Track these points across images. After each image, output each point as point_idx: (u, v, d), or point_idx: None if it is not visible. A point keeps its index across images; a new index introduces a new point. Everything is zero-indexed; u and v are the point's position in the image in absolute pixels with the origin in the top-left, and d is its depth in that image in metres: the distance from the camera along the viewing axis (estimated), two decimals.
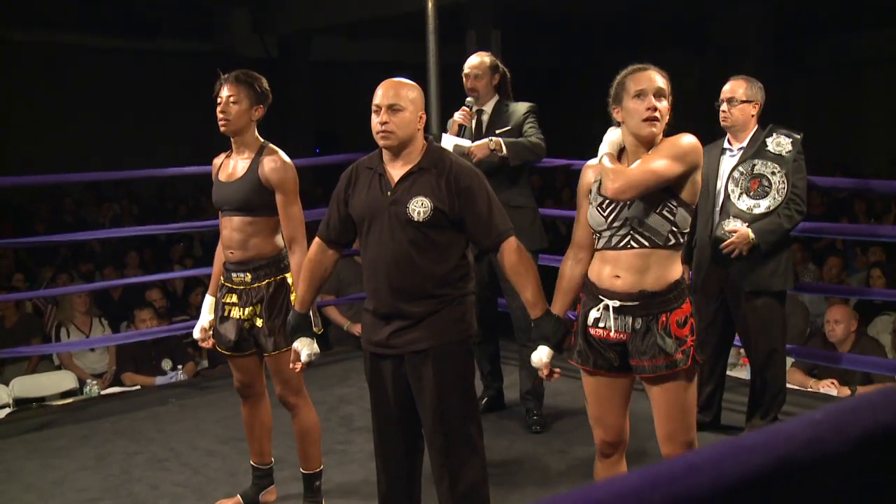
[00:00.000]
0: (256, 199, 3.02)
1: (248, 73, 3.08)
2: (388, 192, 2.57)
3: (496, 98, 3.98)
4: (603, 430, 2.59)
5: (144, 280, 6.21)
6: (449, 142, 3.84)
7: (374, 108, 2.57)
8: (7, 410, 5.08)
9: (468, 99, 3.98)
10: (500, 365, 4.31)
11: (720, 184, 3.58)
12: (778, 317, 3.66)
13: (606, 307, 2.44)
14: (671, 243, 2.42)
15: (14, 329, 6.14)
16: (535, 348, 2.44)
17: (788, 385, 4.57)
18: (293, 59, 12.57)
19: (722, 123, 3.62)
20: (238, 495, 3.34)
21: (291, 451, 3.49)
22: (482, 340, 4.18)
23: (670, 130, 2.47)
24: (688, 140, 2.41)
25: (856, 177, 7.77)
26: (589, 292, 2.52)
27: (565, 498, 0.53)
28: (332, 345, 5.82)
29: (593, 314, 2.48)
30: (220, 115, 3.03)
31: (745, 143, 3.58)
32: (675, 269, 2.45)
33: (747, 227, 3.49)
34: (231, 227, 3.09)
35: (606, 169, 2.39)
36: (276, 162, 3.03)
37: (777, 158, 3.50)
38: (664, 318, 2.41)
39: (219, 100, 3.04)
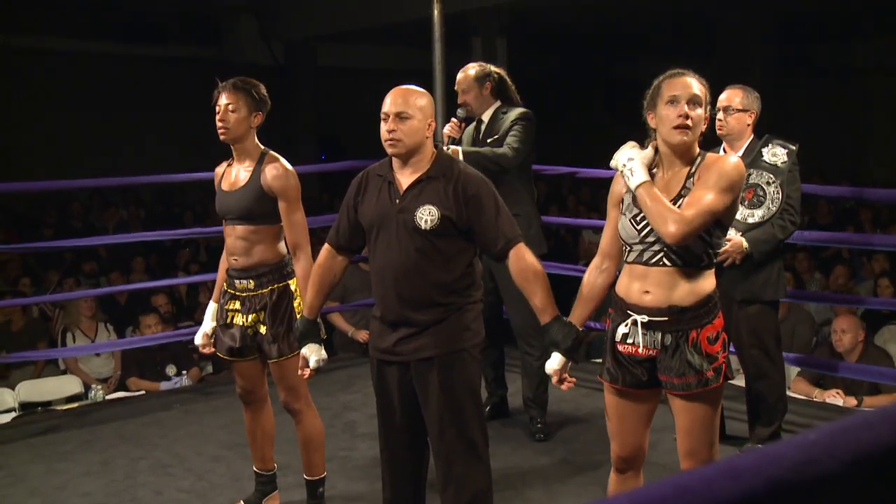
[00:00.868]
0: (259, 207, 3.03)
1: (245, 80, 3.07)
2: (397, 200, 2.57)
3: (496, 105, 3.95)
4: (621, 445, 2.53)
5: (150, 286, 6.22)
6: None
7: (382, 115, 2.57)
8: (13, 415, 5.09)
9: (458, 111, 3.95)
10: (505, 372, 4.31)
11: None
12: (771, 325, 3.67)
13: (635, 322, 2.37)
14: (703, 263, 2.36)
15: (20, 333, 6.16)
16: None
17: (794, 395, 4.57)
18: (299, 66, 12.62)
19: (718, 132, 3.63)
20: (242, 501, 3.35)
21: (295, 457, 3.49)
22: (486, 347, 4.15)
23: (705, 141, 2.43)
24: (736, 167, 2.32)
25: (861, 185, 7.75)
26: (617, 308, 2.45)
27: None
28: (336, 351, 5.82)
29: (622, 330, 2.41)
30: (219, 124, 3.03)
31: (740, 153, 3.59)
32: (707, 284, 2.38)
33: (741, 236, 3.51)
34: (234, 235, 3.09)
35: (660, 209, 2.25)
36: (278, 169, 3.03)
37: (772, 169, 3.52)
38: (694, 335, 2.33)
39: (217, 108, 3.04)
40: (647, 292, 2.36)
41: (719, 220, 2.33)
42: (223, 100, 3.02)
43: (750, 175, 3.51)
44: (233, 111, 3.01)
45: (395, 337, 2.61)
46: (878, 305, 5.29)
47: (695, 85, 2.33)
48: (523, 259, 2.57)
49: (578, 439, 3.95)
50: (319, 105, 12.86)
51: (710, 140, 3.71)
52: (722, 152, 3.65)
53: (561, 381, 2.53)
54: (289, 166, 3.07)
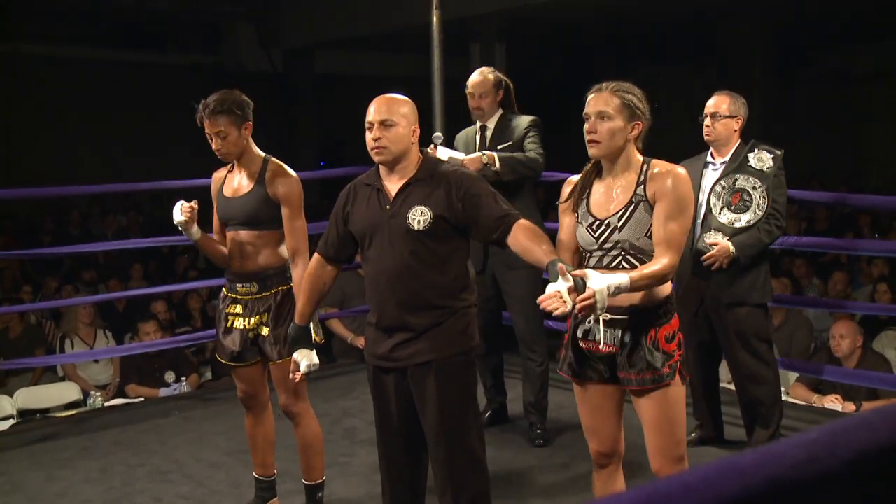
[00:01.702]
0: (263, 213, 3.05)
1: (222, 99, 3.03)
2: (387, 206, 2.59)
3: (500, 112, 3.99)
4: (597, 440, 2.61)
5: (148, 292, 6.22)
6: (444, 153, 3.83)
7: (367, 124, 2.60)
8: (11, 422, 5.08)
9: (436, 134, 3.95)
10: (504, 378, 4.31)
11: (702, 197, 3.63)
12: (760, 327, 3.69)
13: (597, 320, 2.45)
14: None
15: (18, 340, 6.15)
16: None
17: (793, 400, 4.57)
18: (298, 73, 12.64)
19: (705, 138, 3.68)
20: None
21: (294, 463, 3.49)
22: (485, 354, 4.18)
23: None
24: (687, 183, 2.43)
25: (860, 191, 7.77)
26: None
27: None
28: (335, 357, 5.82)
29: (583, 327, 2.51)
30: (217, 152, 3.06)
31: (727, 158, 3.64)
32: (665, 286, 2.47)
33: (728, 240, 3.54)
34: (238, 240, 3.11)
35: (652, 280, 2.34)
36: (283, 177, 3.05)
37: (758, 174, 3.57)
38: (653, 333, 2.44)
39: (208, 135, 3.04)
40: None
41: None
42: (209, 127, 3.03)
43: (737, 179, 3.58)
44: (223, 137, 3.02)
45: (392, 343, 2.62)
46: (876, 311, 5.29)
47: (607, 100, 2.43)
48: (526, 227, 2.53)
49: (578, 445, 3.94)
50: (318, 112, 12.87)
51: (700, 145, 3.74)
52: (709, 157, 3.69)
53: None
54: (293, 173, 3.10)
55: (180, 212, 3.12)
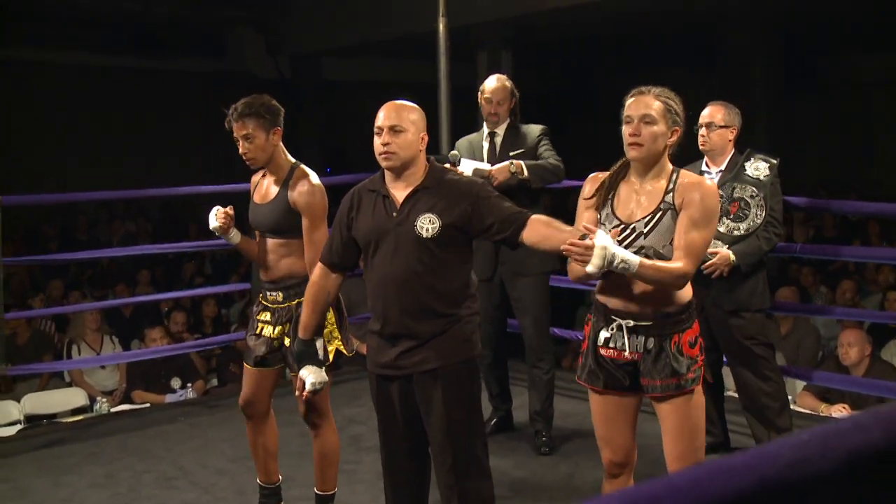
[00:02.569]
0: (286, 221, 3.04)
1: (250, 103, 3.04)
2: (394, 213, 2.58)
3: (508, 121, 3.99)
4: (611, 450, 2.59)
5: (155, 298, 6.23)
6: (468, 166, 3.84)
7: (376, 129, 2.59)
8: (18, 427, 5.09)
9: (452, 153, 3.96)
10: (510, 386, 4.30)
11: None
12: (762, 333, 3.72)
13: (619, 327, 2.44)
14: None
15: (26, 346, 6.17)
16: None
17: (800, 409, 4.55)
18: (304, 79, 12.66)
19: (701, 147, 3.73)
20: None
21: (298, 469, 3.49)
22: (491, 362, 4.18)
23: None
24: (716, 197, 2.48)
25: (867, 199, 7.73)
26: (599, 312, 2.52)
27: None
28: (341, 365, 5.81)
29: (604, 334, 2.48)
30: (244, 156, 3.05)
31: (723, 167, 3.69)
32: (686, 291, 2.46)
33: (728, 248, 3.58)
34: (265, 247, 3.12)
35: (663, 276, 2.36)
36: (304, 186, 3.03)
37: (755, 182, 3.62)
38: (676, 338, 2.43)
39: (236, 139, 3.04)
40: (631, 298, 2.44)
41: None
42: (237, 131, 3.02)
43: (734, 189, 3.63)
44: (251, 140, 3.01)
45: (397, 350, 2.61)
46: (884, 319, 5.27)
47: (650, 104, 2.44)
48: (540, 217, 2.55)
49: (583, 453, 3.93)
50: (324, 118, 12.89)
51: (694, 154, 3.74)
52: (704, 166, 3.71)
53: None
54: (316, 181, 3.06)
55: (215, 217, 3.13)
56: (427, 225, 2.54)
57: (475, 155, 4.02)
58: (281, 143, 3.10)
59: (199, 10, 11.49)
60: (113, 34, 11.43)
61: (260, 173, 3.22)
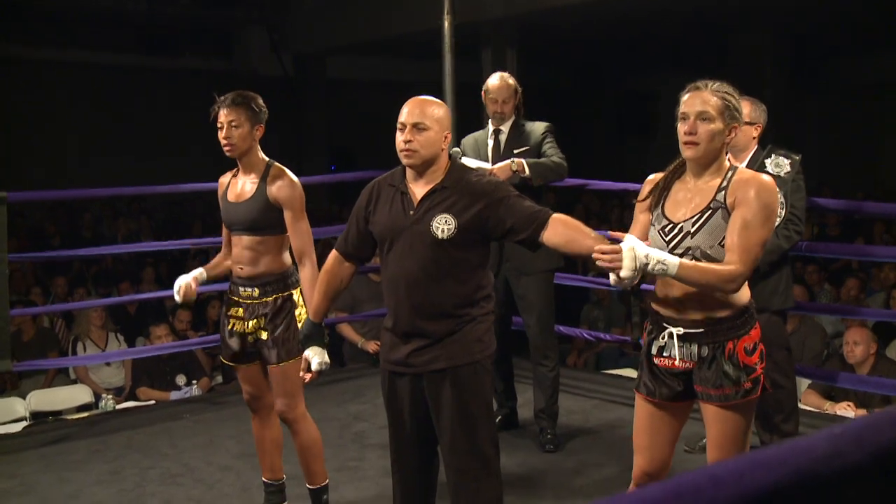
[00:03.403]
0: (265, 218, 3.07)
1: (243, 94, 3.09)
2: (411, 212, 2.55)
3: (513, 118, 4.00)
4: (648, 461, 2.48)
5: (160, 295, 6.23)
6: (469, 164, 3.85)
7: (398, 125, 2.55)
8: (23, 424, 5.10)
9: (454, 150, 3.97)
10: (514, 383, 4.30)
11: None
12: (780, 335, 3.67)
13: (671, 335, 2.35)
14: None
15: (31, 343, 6.18)
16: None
17: (805, 407, 4.55)
18: (309, 77, 12.68)
19: None
20: None
21: (300, 467, 3.49)
22: (496, 359, 4.16)
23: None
24: (774, 193, 2.34)
25: (875, 199, 7.73)
26: (653, 320, 2.43)
27: None
28: (346, 362, 5.83)
29: (657, 343, 2.39)
30: (223, 141, 3.07)
31: (744, 164, 3.61)
32: (743, 295, 2.34)
33: None
34: (241, 245, 3.13)
35: (709, 279, 2.21)
36: (284, 180, 3.07)
37: (776, 179, 3.51)
38: (731, 346, 2.31)
39: (219, 125, 3.06)
40: (682, 303, 2.34)
41: None
42: (224, 116, 3.05)
43: None
44: (236, 127, 3.05)
45: (408, 348, 2.60)
46: (889, 317, 5.27)
47: (708, 100, 2.31)
48: (561, 217, 2.51)
49: (588, 451, 3.94)
50: (329, 116, 12.90)
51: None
52: (727, 163, 3.66)
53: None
54: (293, 177, 3.11)
55: (177, 293, 3.29)
56: (443, 225, 2.51)
57: (480, 152, 4.02)
58: (258, 143, 3.13)
59: (204, 9, 11.50)
60: (119, 33, 11.45)
61: (229, 174, 3.24)
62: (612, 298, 6.88)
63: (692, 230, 2.31)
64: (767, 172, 3.55)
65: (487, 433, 2.63)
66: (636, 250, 2.17)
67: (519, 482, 3.61)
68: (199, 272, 3.31)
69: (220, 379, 6.02)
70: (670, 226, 2.35)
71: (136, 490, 3.70)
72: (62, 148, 11.28)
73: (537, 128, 3.97)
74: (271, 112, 3.19)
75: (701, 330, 2.32)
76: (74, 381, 5.97)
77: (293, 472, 3.51)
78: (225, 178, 3.25)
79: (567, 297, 6.11)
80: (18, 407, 5.35)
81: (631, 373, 5.09)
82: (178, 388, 5.66)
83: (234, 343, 3.18)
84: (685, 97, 2.35)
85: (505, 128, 3.99)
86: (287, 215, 3.05)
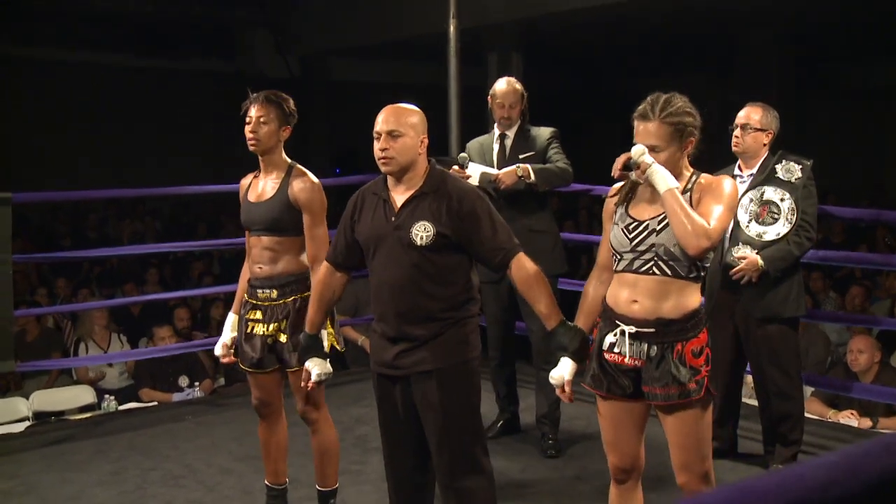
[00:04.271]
0: (285, 219, 3.06)
1: (277, 93, 3.13)
2: (392, 218, 2.60)
3: (518, 123, 4.00)
4: (618, 456, 2.58)
5: (164, 297, 6.25)
6: (476, 170, 3.85)
7: (374, 134, 2.60)
8: (26, 424, 5.11)
9: (461, 155, 3.96)
10: (517, 388, 4.30)
11: None
12: (791, 344, 3.64)
13: (623, 332, 2.44)
14: (692, 275, 2.44)
15: (35, 343, 6.19)
16: (554, 365, 2.41)
17: (808, 415, 4.52)
18: (314, 79, 12.69)
19: (733, 149, 3.61)
20: None
21: (305, 470, 3.49)
22: (500, 364, 4.18)
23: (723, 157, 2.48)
24: (736, 189, 2.49)
25: (880, 206, 7.71)
26: (606, 317, 2.52)
27: None
28: (348, 365, 5.83)
29: (609, 339, 2.48)
30: (249, 135, 3.08)
31: (755, 170, 3.58)
32: (694, 299, 2.44)
33: (756, 253, 3.48)
34: (260, 245, 3.13)
35: (690, 220, 2.34)
36: (305, 182, 3.07)
37: (786, 185, 3.50)
38: (679, 347, 2.40)
39: (248, 119, 3.08)
40: (636, 302, 2.42)
41: None
42: (254, 111, 3.07)
43: (764, 192, 3.51)
44: (264, 123, 3.06)
45: (395, 350, 2.64)
46: (894, 326, 5.24)
47: (655, 132, 2.40)
48: (524, 267, 2.60)
49: (590, 456, 3.92)
50: (334, 119, 12.91)
51: (718, 156, 3.70)
52: (737, 170, 3.64)
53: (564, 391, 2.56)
54: (315, 180, 3.11)
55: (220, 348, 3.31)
56: (422, 232, 2.55)
57: (485, 157, 4.02)
58: (282, 144, 3.14)
59: (208, 9, 11.52)
60: (124, 34, 11.47)
61: (251, 175, 3.24)
62: None
63: (658, 227, 2.41)
64: (778, 178, 3.52)
65: (476, 434, 2.67)
66: (640, 147, 2.36)
67: (520, 487, 3.60)
68: (231, 321, 3.28)
69: (222, 381, 6.02)
70: (635, 223, 2.44)
71: (137, 491, 3.70)
72: (65, 149, 11.29)
73: (543, 133, 3.96)
74: None
75: (652, 330, 2.41)
76: (77, 382, 5.97)
77: (294, 476, 3.51)
78: (246, 180, 3.26)
79: (570, 302, 6.09)
80: (21, 407, 5.36)
81: None
82: (181, 389, 5.66)
83: (251, 348, 3.16)
84: (635, 124, 2.45)
85: (511, 133, 3.99)
86: (305, 218, 3.05)
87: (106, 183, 7.99)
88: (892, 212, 4.66)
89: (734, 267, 3.50)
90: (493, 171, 3.85)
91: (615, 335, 2.46)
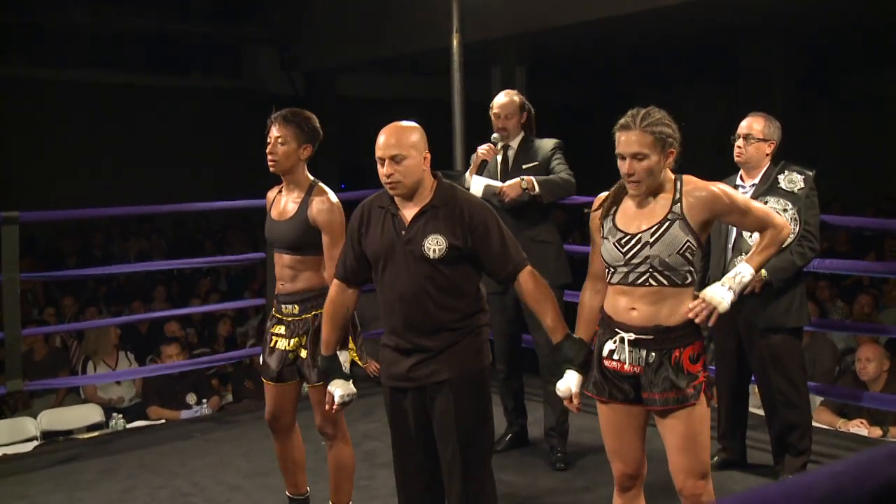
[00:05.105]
0: (305, 238, 3.07)
1: (296, 112, 3.13)
2: (403, 232, 2.61)
3: (522, 134, 4.02)
4: (622, 462, 2.59)
5: (171, 314, 6.25)
6: (479, 182, 3.87)
7: (377, 158, 2.60)
8: (34, 443, 5.11)
9: (494, 135, 4.01)
10: (525, 401, 4.29)
11: None
12: (796, 353, 3.63)
13: (622, 339, 2.47)
14: (687, 282, 2.47)
15: (43, 362, 6.20)
16: (561, 377, 2.46)
17: (818, 425, 4.51)
18: (319, 95, 12.73)
19: (736, 159, 3.62)
20: None
21: (314, 486, 3.49)
22: (507, 376, 4.17)
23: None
24: (721, 185, 2.56)
25: (888, 216, 7.69)
26: (605, 325, 2.55)
27: None
28: (357, 377, 5.81)
29: (608, 346, 2.51)
30: (268, 156, 3.09)
31: (757, 180, 3.58)
32: (689, 305, 2.47)
33: None
34: (282, 263, 3.15)
35: (775, 247, 2.57)
36: (324, 203, 3.07)
37: (789, 195, 3.50)
38: (677, 354, 2.44)
39: (268, 139, 3.10)
40: (634, 309, 2.46)
41: (700, 243, 2.47)
42: (273, 132, 3.08)
43: (767, 202, 3.50)
44: (282, 144, 3.07)
45: (410, 362, 2.64)
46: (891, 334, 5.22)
47: (638, 140, 2.43)
48: (531, 281, 2.64)
49: (599, 469, 3.90)
50: (339, 135, 12.94)
51: (724, 167, 3.70)
52: (738, 180, 3.64)
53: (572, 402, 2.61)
54: (335, 200, 3.10)
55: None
56: (434, 246, 2.57)
57: (490, 168, 4.03)
58: (304, 163, 3.14)
59: (215, 27, 11.59)
60: (130, 52, 11.54)
61: (276, 189, 3.25)
62: None
63: (651, 240, 2.44)
64: (781, 188, 3.52)
65: (488, 443, 2.71)
66: (712, 290, 2.44)
67: (529, 500, 3.59)
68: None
69: (230, 398, 6.02)
70: (627, 237, 2.47)
71: None
72: (73, 167, 11.34)
73: (546, 144, 3.98)
74: None
75: (650, 337, 2.45)
76: (85, 401, 5.98)
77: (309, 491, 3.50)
78: (272, 193, 3.27)
79: (575, 313, 6.07)
80: (29, 426, 5.36)
81: None
82: (189, 406, 5.67)
83: (273, 362, 3.17)
84: (617, 136, 2.47)
85: (514, 144, 4.01)
86: (325, 239, 3.05)
87: (112, 201, 8.01)
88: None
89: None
90: (497, 183, 3.86)
91: (614, 342, 2.49)
